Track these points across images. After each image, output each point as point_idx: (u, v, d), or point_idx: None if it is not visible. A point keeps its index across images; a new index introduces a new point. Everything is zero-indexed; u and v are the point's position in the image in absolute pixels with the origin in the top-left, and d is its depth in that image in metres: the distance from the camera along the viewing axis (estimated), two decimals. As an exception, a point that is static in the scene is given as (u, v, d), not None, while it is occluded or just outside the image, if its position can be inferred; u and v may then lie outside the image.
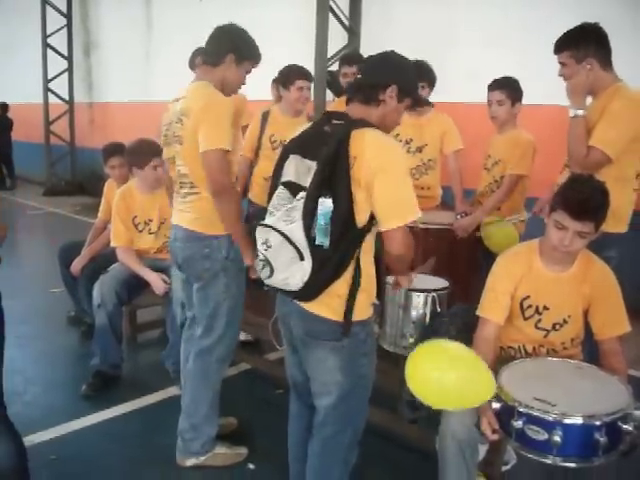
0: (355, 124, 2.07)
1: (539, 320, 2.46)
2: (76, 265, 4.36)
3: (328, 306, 2.10)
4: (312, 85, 4.34)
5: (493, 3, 5.71)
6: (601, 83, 2.81)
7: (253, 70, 2.85)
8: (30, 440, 3.01)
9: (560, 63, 2.91)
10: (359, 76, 2.20)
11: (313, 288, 2.04)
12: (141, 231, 4.08)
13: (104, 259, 4.17)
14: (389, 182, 2.01)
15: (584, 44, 2.82)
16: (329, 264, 2.01)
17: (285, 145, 2.23)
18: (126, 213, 4.04)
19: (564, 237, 2.28)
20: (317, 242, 1.96)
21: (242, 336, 4.16)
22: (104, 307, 3.83)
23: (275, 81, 4.62)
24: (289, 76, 4.15)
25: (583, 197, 2.26)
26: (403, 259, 2.15)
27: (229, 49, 2.73)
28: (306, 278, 1.99)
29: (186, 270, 2.92)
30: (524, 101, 3.71)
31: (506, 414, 2.07)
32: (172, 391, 3.66)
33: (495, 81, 3.71)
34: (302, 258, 1.97)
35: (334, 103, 4.98)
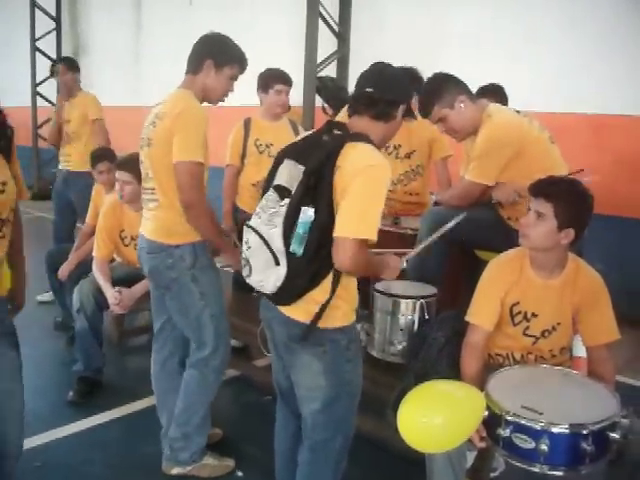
0: (352, 137, 2.06)
1: (527, 327, 2.45)
2: (63, 270, 4.32)
3: (306, 311, 2.09)
4: (297, 90, 4.32)
5: (484, 6, 5.73)
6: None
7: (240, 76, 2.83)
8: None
9: (439, 121, 3.06)
10: (370, 89, 2.13)
11: (287, 294, 2.04)
12: (127, 245, 4.06)
13: (91, 264, 4.13)
14: (356, 192, 1.96)
15: (443, 90, 2.99)
16: (304, 272, 2.00)
17: (282, 149, 2.22)
18: (113, 227, 4.01)
19: (524, 218, 2.35)
20: (291, 249, 1.96)
21: (232, 342, 4.15)
22: (83, 312, 3.81)
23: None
24: (268, 80, 4.13)
25: (547, 178, 2.37)
26: (348, 271, 2.05)
27: (207, 55, 2.72)
28: (279, 283, 1.99)
29: (153, 280, 2.89)
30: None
31: (494, 422, 2.07)
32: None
33: (480, 88, 3.75)
34: (277, 263, 1.98)
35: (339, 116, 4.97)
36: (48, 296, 5.05)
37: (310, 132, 2.29)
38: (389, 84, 2.17)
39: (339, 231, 1.97)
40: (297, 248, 1.94)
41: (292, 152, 2.14)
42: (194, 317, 2.80)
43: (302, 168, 2.02)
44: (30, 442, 3.17)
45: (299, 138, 2.25)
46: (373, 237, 1.99)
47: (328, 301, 2.06)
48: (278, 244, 1.96)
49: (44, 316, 4.88)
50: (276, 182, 2.10)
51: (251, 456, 3.13)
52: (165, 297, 2.85)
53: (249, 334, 3.27)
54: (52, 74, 5.80)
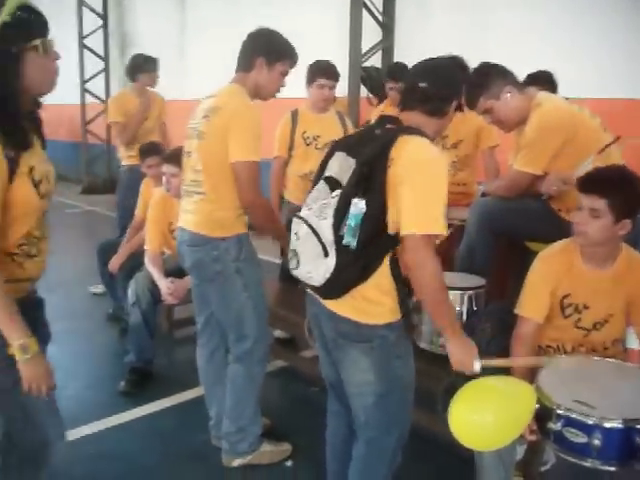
0: (405, 130, 2.05)
1: (579, 319, 2.41)
2: (114, 263, 4.41)
3: (354, 308, 2.07)
4: (342, 81, 4.33)
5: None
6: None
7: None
8: (71, 434, 3.07)
9: (485, 113, 3.02)
10: (424, 85, 2.09)
11: (336, 286, 2.01)
12: (175, 238, 4.10)
13: (142, 257, 4.21)
14: (417, 188, 1.94)
15: (489, 81, 2.95)
16: (354, 265, 1.97)
17: (334, 142, 2.24)
18: (161, 220, 4.10)
19: (578, 216, 2.29)
20: (344, 242, 1.93)
21: (277, 333, 4.18)
22: (138, 305, 3.89)
23: None
24: (313, 73, 4.13)
25: (594, 172, 2.31)
26: (418, 273, 1.99)
27: (258, 53, 2.73)
28: (328, 275, 1.96)
29: (196, 274, 2.91)
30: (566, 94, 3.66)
31: (545, 415, 2.04)
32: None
33: (529, 76, 3.69)
34: (327, 254, 1.95)
35: (379, 108, 4.93)
36: (101, 288, 5.15)
37: (363, 126, 2.30)
38: (444, 80, 2.14)
39: (406, 228, 1.94)
40: (351, 240, 1.92)
41: (344, 145, 2.14)
42: (236, 309, 2.82)
43: (353, 160, 2.01)
44: (83, 430, 3.29)
45: (353, 133, 2.25)
46: (442, 231, 1.97)
47: (401, 294, 2.05)
48: (328, 235, 1.94)
49: (97, 308, 5.00)
50: (327, 174, 2.11)
51: (300, 446, 3.16)
52: (208, 290, 2.88)
53: (296, 325, 3.29)
54: (153, 69, 5.78)
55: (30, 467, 2.07)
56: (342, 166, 2.05)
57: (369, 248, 1.97)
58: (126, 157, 5.49)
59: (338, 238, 1.94)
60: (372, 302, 2.06)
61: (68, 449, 2.42)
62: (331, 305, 2.12)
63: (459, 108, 2.21)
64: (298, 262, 2.06)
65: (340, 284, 2.01)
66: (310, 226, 1.99)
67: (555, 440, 2.00)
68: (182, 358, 4.49)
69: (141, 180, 4.76)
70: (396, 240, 2.00)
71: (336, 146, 2.17)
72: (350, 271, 1.98)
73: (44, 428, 2.07)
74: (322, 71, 4.11)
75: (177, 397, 3.74)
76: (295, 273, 2.11)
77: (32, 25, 1.84)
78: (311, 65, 4.18)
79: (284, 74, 2.82)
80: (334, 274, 1.95)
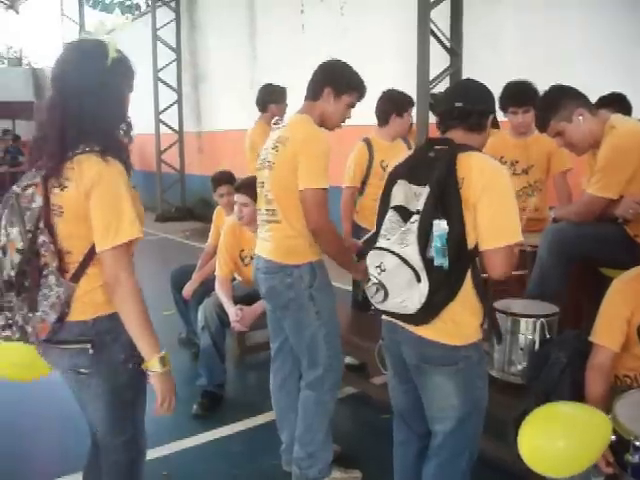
0: (460, 148, 2.12)
1: (657, 348, 2.34)
2: (187, 289, 4.53)
3: (443, 330, 2.11)
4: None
5: (601, 19, 5.53)
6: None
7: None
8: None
9: (556, 136, 2.97)
10: (460, 104, 2.21)
11: (430, 310, 2.04)
12: (247, 265, 4.22)
13: (213, 283, 4.31)
14: (493, 203, 2.04)
15: (559, 104, 2.90)
16: (445, 285, 2.03)
17: (391, 171, 2.28)
18: (233, 247, 4.21)
19: None
20: (436, 263, 1.97)
21: (348, 359, 4.19)
22: (207, 329, 3.98)
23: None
24: (405, 103, 4.33)
25: None
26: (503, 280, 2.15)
27: (327, 82, 2.78)
28: (423, 300, 2.00)
29: (271, 300, 2.94)
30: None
31: (622, 447, 1.98)
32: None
33: (601, 98, 3.63)
34: (419, 280, 1.98)
35: None
36: (172, 314, 5.27)
37: (411, 151, 2.37)
38: (477, 96, 2.27)
39: (489, 243, 2.04)
40: (443, 260, 1.96)
41: (402, 173, 2.19)
42: (309, 336, 2.84)
43: (415, 187, 2.07)
44: (157, 452, 3.34)
45: (402, 159, 2.29)
46: (519, 239, 2.07)
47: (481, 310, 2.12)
48: (416, 261, 1.97)
49: (170, 331, 5.12)
50: (394, 203, 2.14)
51: (370, 474, 3.14)
52: (282, 317, 2.92)
53: (366, 352, 3.29)
54: (282, 100, 5.76)
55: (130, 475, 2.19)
56: (407, 194, 2.10)
57: (456, 266, 2.02)
58: None
59: (426, 262, 1.97)
60: (458, 322, 2.11)
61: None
62: (418, 330, 2.14)
63: (495, 125, 2.32)
64: (386, 294, 2.06)
65: (434, 307, 2.04)
66: (398, 255, 2.00)
67: (633, 473, 1.95)
68: (253, 383, 4.56)
69: None
70: (474, 254, 2.08)
71: (395, 175, 2.21)
72: (442, 292, 2.03)
73: (144, 437, 2.20)
74: (411, 102, 4.39)
75: (248, 422, 3.79)
76: (382, 306, 2.12)
77: (131, 65, 2.07)
78: (403, 95, 4.37)
79: (350, 106, 2.86)
80: (428, 297, 1.99)
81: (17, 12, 24.26)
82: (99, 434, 2.15)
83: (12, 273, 1.86)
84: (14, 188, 1.91)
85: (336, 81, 2.79)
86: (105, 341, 1.97)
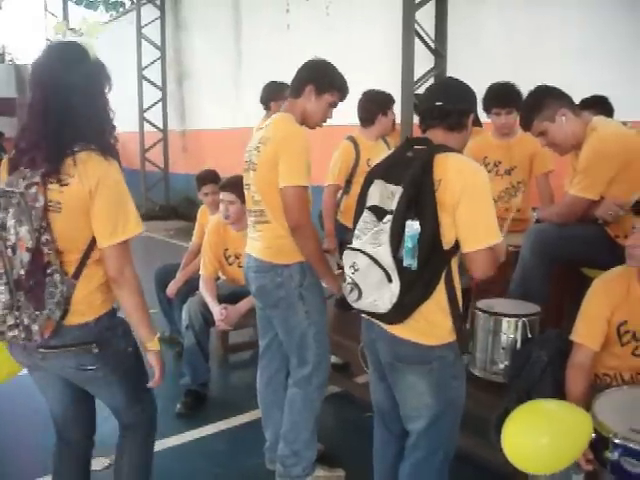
0: (437, 149, 2.12)
1: (637, 347, 2.37)
2: (171, 288, 4.52)
3: (416, 330, 2.11)
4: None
5: (585, 19, 5.58)
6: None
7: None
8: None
9: (539, 135, 3.00)
10: (440, 103, 2.21)
11: (402, 310, 2.05)
12: (231, 264, 4.23)
13: (197, 282, 4.30)
14: (471, 205, 2.04)
15: (543, 104, 2.93)
16: (417, 285, 2.03)
17: (369, 171, 2.29)
18: (217, 246, 4.20)
19: (631, 238, 2.30)
20: (405, 264, 1.98)
21: (332, 359, 4.20)
22: (192, 328, 3.98)
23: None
24: (389, 103, 4.36)
25: None
26: (486, 279, 2.17)
27: (309, 80, 2.79)
28: (394, 300, 2.00)
29: (261, 299, 2.95)
30: (622, 117, 3.62)
31: (601, 444, 2.01)
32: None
33: (583, 100, 3.67)
34: (390, 280, 1.99)
35: None
36: (155, 313, 5.25)
37: (390, 151, 2.37)
38: (457, 95, 2.27)
39: (471, 246, 2.06)
40: (411, 261, 1.97)
41: (379, 173, 2.20)
42: (299, 335, 2.85)
43: (392, 187, 2.07)
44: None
45: (381, 158, 2.31)
46: (500, 239, 2.10)
47: (455, 312, 2.12)
48: (388, 261, 1.98)
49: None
50: (369, 203, 2.15)
51: (353, 472, 3.15)
52: (272, 315, 2.93)
53: (350, 351, 3.31)
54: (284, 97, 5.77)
55: (153, 429, 2.49)
56: (383, 193, 2.11)
57: (428, 267, 2.02)
58: None
59: (398, 262, 1.98)
60: (432, 322, 2.11)
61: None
62: (392, 329, 2.16)
63: (476, 122, 2.33)
64: (360, 293, 2.08)
65: (406, 307, 2.05)
66: (369, 255, 2.01)
67: (612, 470, 1.98)
68: (236, 382, 4.56)
69: None
70: (450, 255, 2.08)
71: (372, 174, 2.22)
72: (414, 292, 2.03)
73: (152, 393, 2.44)
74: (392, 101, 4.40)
75: (231, 420, 3.79)
76: (357, 305, 2.13)
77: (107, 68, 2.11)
78: (388, 96, 4.41)
79: (332, 105, 2.87)
80: (399, 298, 2.00)
81: (0, 8, 24.06)
82: (121, 411, 2.33)
83: (22, 272, 1.87)
84: (14, 186, 1.90)
85: (318, 79, 2.79)
86: (107, 337, 2.10)
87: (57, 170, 1.91)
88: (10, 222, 1.86)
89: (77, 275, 2.01)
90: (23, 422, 3.76)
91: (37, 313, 1.90)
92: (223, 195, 3.95)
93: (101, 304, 2.09)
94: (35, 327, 1.90)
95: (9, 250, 1.86)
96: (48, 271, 1.90)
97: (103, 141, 2.02)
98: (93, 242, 2.02)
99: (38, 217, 1.88)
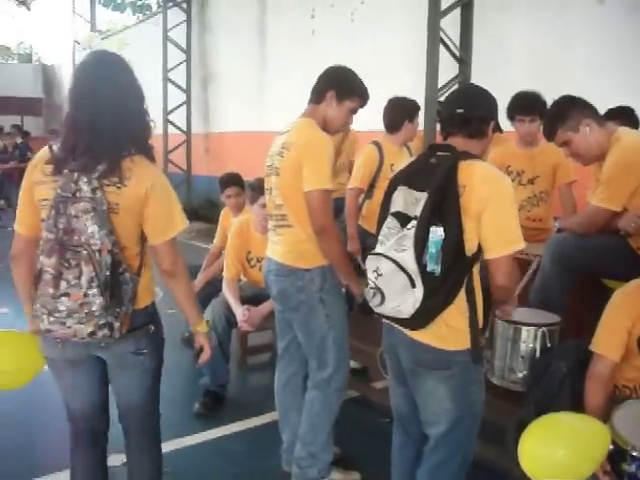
0: (461, 156, 2.14)
1: (657, 359, 2.36)
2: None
3: (437, 335, 2.13)
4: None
5: (609, 31, 5.55)
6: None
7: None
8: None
9: (563, 145, 3.00)
10: (461, 111, 2.23)
11: (424, 315, 2.07)
12: (253, 267, 4.26)
13: (219, 284, 4.33)
14: (497, 212, 2.06)
15: (567, 114, 2.93)
16: (440, 291, 2.05)
17: (393, 177, 2.31)
18: (240, 249, 4.24)
19: None
20: (429, 269, 2.00)
21: (350, 363, 4.22)
22: (214, 330, 4.00)
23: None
24: (416, 110, 4.42)
25: None
26: (506, 288, 2.21)
27: (330, 86, 2.82)
28: (418, 305, 2.02)
29: (281, 302, 2.97)
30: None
31: (619, 456, 2.00)
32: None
33: (609, 111, 3.66)
34: (414, 285, 2.01)
35: None
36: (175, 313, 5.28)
37: (413, 158, 2.39)
38: (478, 102, 2.29)
39: (491, 254, 2.09)
40: (435, 267, 2.00)
41: (403, 179, 2.22)
42: (319, 338, 2.88)
43: (416, 193, 2.10)
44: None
45: (405, 165, 2.33)
46: (522, 246, 2.12)
47: (474, 320, 2.14)
48: (412, 266, 2.00)
49: (173, 329, 5.13)
50: (393, 209, 2.18)
51: (369, 476, 3.17)
52: (292, 318, 2.95)
53: (368, 356, 3.33)
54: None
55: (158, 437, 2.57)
56: (407, 200, 2.13)
57: (451, 273, 2.04)
58: None
59: (422, 267, 2.00)
60: (453, 328, 2.13)
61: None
62: (413, 334, 2.17)
63: (497, 129, 2.34)
64: (383, 298, 2.09)
65: (428, 312, 2.07)
66: (394, 260, 2.03)
67: (630, 482, 1.97)
68: (255, 384, 4.59)
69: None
70: (472, 262, 2.10)
71: (396, 181, 2.25)
72: (437, 298, 2.05)
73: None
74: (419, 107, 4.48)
75: (249, 422, 3.82)
76: (379, 310, 2.15)
77: None
78: (414, 103, 4.45)
79: (352, 111, 2.89)
80: (422, 303, 2.02)
81: (28, 9, 24.40)
82: (141, 406, 2.40)
83: (107, 273, 1.99)
84: (69, 191, 1.98)
85: (339, 85, 2.82)
86: (156, 321, 2.32)
87: (114, 173, 2.03)
88: (92, 227, 1.96)
89: (139, 271, 2.18)
90: (20, 422, 3.79)
91: (117, 310, 2.04)
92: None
93: (150, 293, 2.29)
94: (117, 324, 2.04)
95: (97, 254, 1.96)
96: (119, 270, 2.04)
97: (147, 145, 2.17)
98: (143, 239, 2.18)
99: (106, 220, 1.99)
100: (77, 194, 1.97)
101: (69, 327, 1.98)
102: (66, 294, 1.96)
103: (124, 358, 2.25)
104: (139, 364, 2.28)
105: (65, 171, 2.01)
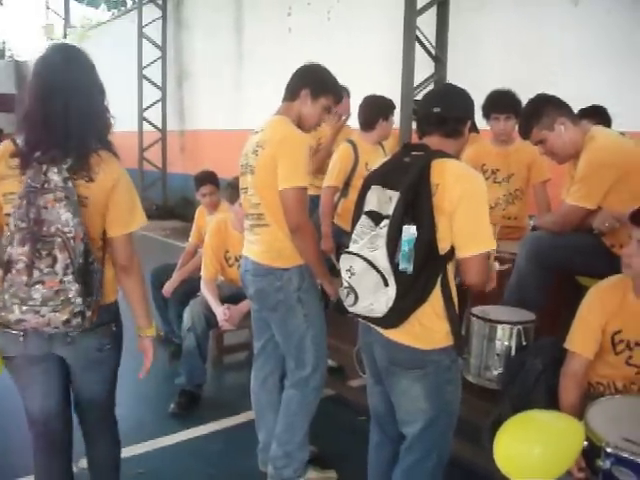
0: (435, 154, 2.13)
1: (630, 356, 2.38)
2: (167, 288, 4.52)
3: (411, 334, 2.13)
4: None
5: (585, 27, 5.60)
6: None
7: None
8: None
9: (538, 143, 3.02)
10: (438, 110, 2.22)
11: (398, 314, 2.06)
12: (231, 265, 4.24)
13: (194, 283, 4.31)
14: (468, 211, 2.06)
15: (542, 112, 2.95)
16: (413, 290, 2.04)
17: (367, 176, 2.31)
18: (219, 248, 4.22)
19: (627, 248, 2.29)
20: (401, 268, 2.00)
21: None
22: (193, 331, 3.98)
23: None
24: (390, 109, 4.35)
25: None
26: (478, 286, 2.20)
27: (304, 84, 2.81)
28: (391, 303, 2.02)
29: (259, 302, 2.95)
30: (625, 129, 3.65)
31: (593, 453, 2.01)
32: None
33: (582, 110, 3.69)
34: (386, 284, 2.00)
35: None
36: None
37: (388, 157, 2.38)
38: (455, 102, 2.29)
39: (464, 252, 2.08)
40: (407, 265, 1.99)
41: (377, 178, 2.21)
42: (297, 338, 2.86)
43: (391, 192, 2.08)
44: (133, 450, 3.35)
45: (379, 164, 2.32)
46: (494, 246, 2.12)
47: (452, 316, 2.13)
48: (384, 265, 1.99)
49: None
50: (367, 208, 2.17)
51: (345, 475, 3.16)
52: (270, 318, 2.93)
53: (345, 355, 3.32)
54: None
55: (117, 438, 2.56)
56: (380, 199, 2.12)
57: (424, 271, 2.04)
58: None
59: (394, 266, 1.99)
60: (427, 327, 2.12)
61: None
62: (388, 333, 2.17)
63: (474, 129, 2.35)
64: (356, 298, 2.09)
65: (402, 311, 2.06)
66: (366, 259, 2.03)
67: (604, 479, 1.98)
68: (230, 383, 4.56)
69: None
70: (446, 260, 2.10)
71: (370, 180, 2.24)
72: (410, 296, 2.04)
73: None
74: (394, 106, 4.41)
75: (225, 421, 3.79)
76: (353, 309, 2.14)
77: None
78: (388, 102, 4.38)
79: (327, 109, 2.88)
80: (395, 302, 2.01)
81: (1, 4, 24.04)
82: (103, 400, 2.40)
83: (81, 260, 1.99)
84: (39, 182, 1.96)
85: (314, 83, 2.81)
86: (118, 318, 2.33)
87: (83, 167, 2.05)
88: (66, 215, 1.95)
89: (102, 263, 2.19)
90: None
91: (89, 300, 2.03)
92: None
93: (114, 290, 2.30)
94: (89, 313, 2.04)
95: (71, 241, 1.96)
96: (89, 259, 2.04)
97: (109, 140, 2.19)
98: (105, 234, 2.19)
99: (77, 209, 1.99)
100: (45, 185, 1.96)
101: (43, 316, 1.95)
102: (40, 282, 1.93)
103: (88, 354, 2.24)
104: (102, 360, 2.29)
105: (34, 163, 1.99)
